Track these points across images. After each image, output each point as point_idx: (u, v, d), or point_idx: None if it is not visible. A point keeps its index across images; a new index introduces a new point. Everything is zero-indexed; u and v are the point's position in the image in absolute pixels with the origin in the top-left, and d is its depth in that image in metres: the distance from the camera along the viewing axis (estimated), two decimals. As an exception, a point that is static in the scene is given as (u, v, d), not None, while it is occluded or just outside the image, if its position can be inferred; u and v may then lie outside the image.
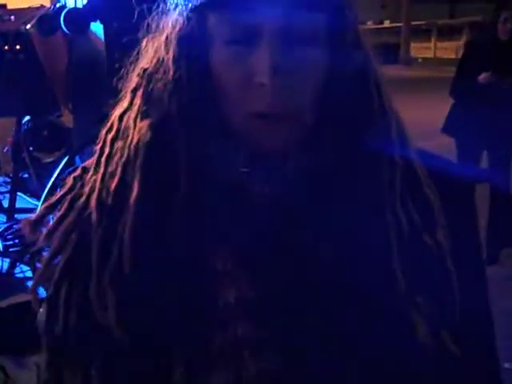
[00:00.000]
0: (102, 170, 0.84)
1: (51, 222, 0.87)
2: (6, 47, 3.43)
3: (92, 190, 0.84)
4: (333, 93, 0.80)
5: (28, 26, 3.37)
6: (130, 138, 0.83)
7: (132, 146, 0.82)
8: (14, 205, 3.69)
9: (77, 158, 3.16)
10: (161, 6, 0.85)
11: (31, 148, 3.74)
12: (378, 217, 0.80)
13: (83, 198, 0.85)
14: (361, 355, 0.78)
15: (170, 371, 0.79)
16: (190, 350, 0.79)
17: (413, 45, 25.31)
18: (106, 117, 0.88)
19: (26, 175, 3.91)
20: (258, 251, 0.80)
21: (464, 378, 0.85)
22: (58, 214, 0.87)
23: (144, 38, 0.86)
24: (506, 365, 2.75)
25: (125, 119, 0.85)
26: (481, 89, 4.34)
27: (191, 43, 0.81)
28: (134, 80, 0.85)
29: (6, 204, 3.72)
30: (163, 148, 0.81)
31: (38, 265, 0.87)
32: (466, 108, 4.45)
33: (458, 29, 22.54)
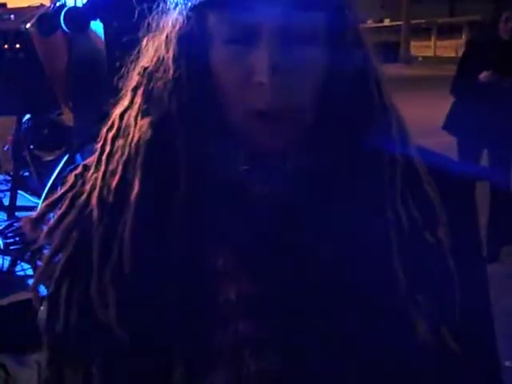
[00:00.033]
0: (102, 167, 0.84)
1: (52, 220, 0.87)
2: (6, 46, 3.42)
3: (93, 187, 0.84)
4: (333, 92, 0.80)
5: (28, 25, 3.36)
6: (130, 136, 0.83)
7: (133, 144, 0.82)
8: (15, 203, 3.68)
9: (77, 157, 3.15)
10: (161, 5, 0.85)
11: (32, 146, 3.73)
12: (378, 216, 0.80)
13: (84, 196, 0.85)
14: (361, 355, 0.78)
15: (170, 371, 0.79)
16: (190, 349, 0.79)
17: (413, 43, 25.30)
18: (106, 115, 0.88)
19: (27, 173, 3.90)
20: (258, 251, 0.80)
21: (464, 377, 0.85)
22: (59, 211, 0.87)
23: (144, 37, 0.86)
24: (507, 363, 2.75)
25: (125, 117, 0.85)
26: (481, 87, 4.35)
27: (191, 42, 0.81)
28: (134, 79, 0.85)
29: (6, 202, 3.71)
30: (164, 146, 0.81)
31: (39, 263, 0.87)
32: (466, 106, 4.45)
33: (458, 27, 22.56)
